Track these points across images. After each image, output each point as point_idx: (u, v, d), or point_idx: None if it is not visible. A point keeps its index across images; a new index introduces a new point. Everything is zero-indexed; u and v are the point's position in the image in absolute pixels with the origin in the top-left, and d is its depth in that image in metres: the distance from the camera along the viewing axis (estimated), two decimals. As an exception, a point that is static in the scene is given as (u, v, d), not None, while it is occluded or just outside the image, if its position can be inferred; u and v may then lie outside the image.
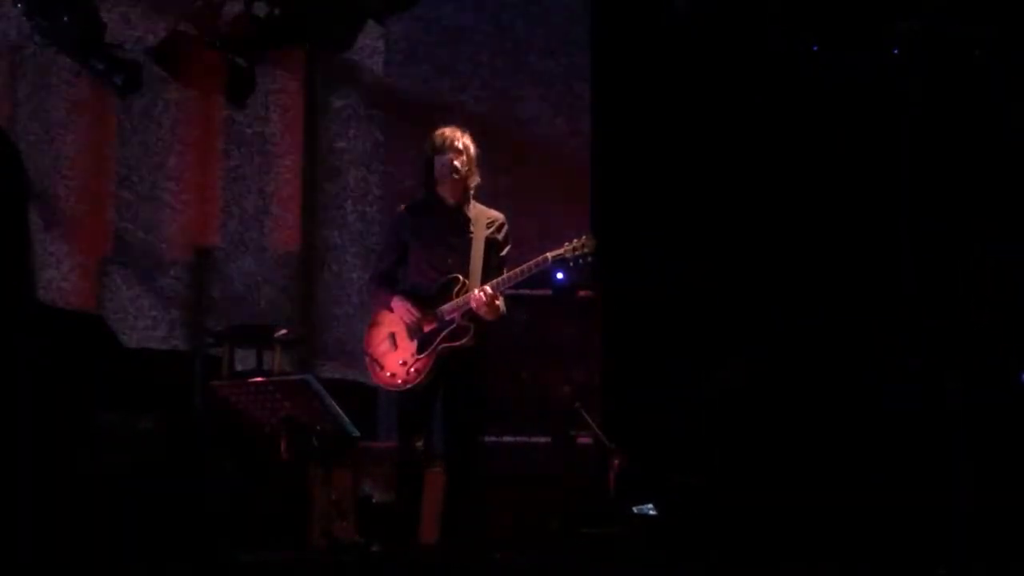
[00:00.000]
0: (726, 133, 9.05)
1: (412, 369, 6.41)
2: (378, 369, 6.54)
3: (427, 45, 9.04)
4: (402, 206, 6.68)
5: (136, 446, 7.13)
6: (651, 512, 7.38)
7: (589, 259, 6.39)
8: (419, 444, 6.45)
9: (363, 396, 7.89)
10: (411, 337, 6.44)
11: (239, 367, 7.96)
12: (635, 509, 7.40)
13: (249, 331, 8.07)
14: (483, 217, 6.54)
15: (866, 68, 8.96)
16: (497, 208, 6.65)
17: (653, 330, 8.85)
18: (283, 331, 7.87)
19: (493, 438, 7.45)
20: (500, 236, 6.54)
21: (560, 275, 7.79)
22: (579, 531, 7.54)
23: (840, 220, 9.03)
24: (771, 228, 9.04)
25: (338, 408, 6.68)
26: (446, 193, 6.48)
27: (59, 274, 8.42)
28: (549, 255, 6.36)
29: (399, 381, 6.45)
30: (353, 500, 7.31)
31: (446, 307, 6.39)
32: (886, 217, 9.06)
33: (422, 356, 6.40)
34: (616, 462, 7.72)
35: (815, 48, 9.01)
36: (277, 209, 8.66)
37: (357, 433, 6.89)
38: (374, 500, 7.37)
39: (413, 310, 6.41)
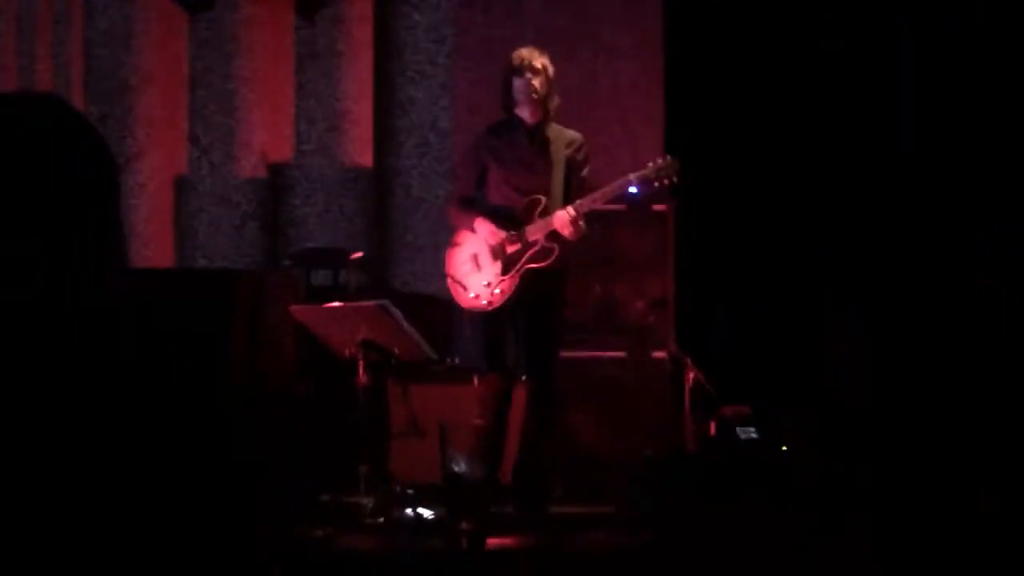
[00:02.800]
0: (807, 46, 8.86)
1: (496, 290, 6.46)
2: (461, 291, 6.59)
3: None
4: (483, 127, 6.71)
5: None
6: (753, 435, 7.32)
7: (674, 180, 6.40)
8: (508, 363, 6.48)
9: (439, 314, 7.87)
10: (495, 258, 6.49)
11: (315, 285, 7.95)
12: (739, 431, 7.34)
13: (325, 253, 8.07)
14: (562, 137, 6.55)
15: None
16: (570, 124, 6.64)
17: (726, 246, 8.77)
18: (359, 254, 7.85)
19: (567, 353, 7.43)
20: (580, 156, 6.56)
21: (634, 189, 7.72)
22: (644, 455, 7.38)
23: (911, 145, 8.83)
24: (844, 143, 8.86)
25: (415, 331, 6.70)
26: (525, 114, 6.48)
27: (134, 192, 8.41)
28: (632, 176, 6.41)
29: (483, 302, 6.51)
30: (432, 420, 7.29)
31: (529, 228, 6.44)
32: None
33: (506, 277, 6.45)
34: (691, 376, 7.69)
35: None
36: (350, 127, 8.59)
37: (435, 356, 6.92)
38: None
39: (497, 231, 6.46)
